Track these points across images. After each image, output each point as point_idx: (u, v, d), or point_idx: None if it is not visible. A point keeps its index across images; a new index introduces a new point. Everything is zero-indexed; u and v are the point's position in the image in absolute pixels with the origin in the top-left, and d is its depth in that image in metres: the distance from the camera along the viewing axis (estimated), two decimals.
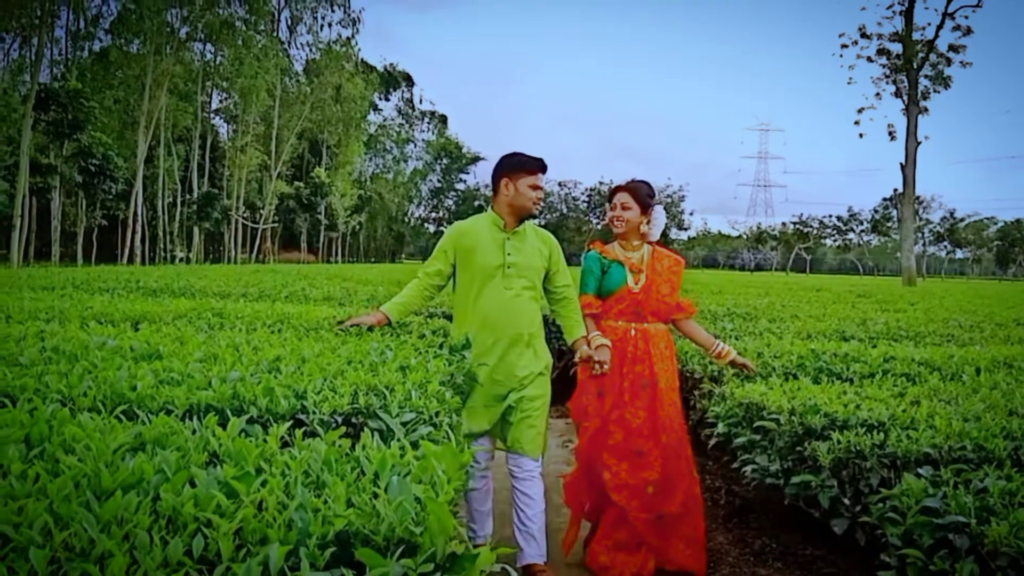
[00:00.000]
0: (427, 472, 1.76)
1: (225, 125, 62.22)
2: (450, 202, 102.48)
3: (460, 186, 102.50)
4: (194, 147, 50.50)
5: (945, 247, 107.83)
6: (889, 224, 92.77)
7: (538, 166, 4.01)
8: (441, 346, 4.00)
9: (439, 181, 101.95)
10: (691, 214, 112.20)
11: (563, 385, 4.18)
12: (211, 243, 61.73)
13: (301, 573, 1.29)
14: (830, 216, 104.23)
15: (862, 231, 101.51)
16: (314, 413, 2.45)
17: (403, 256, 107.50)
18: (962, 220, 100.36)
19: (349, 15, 64.02)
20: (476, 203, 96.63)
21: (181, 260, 47.71)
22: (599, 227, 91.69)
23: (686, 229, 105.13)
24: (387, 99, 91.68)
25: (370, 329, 4.19)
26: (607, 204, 4.43)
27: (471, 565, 1.48)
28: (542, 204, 4.08)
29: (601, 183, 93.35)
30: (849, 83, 43.60)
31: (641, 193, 4.28)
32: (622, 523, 4.02)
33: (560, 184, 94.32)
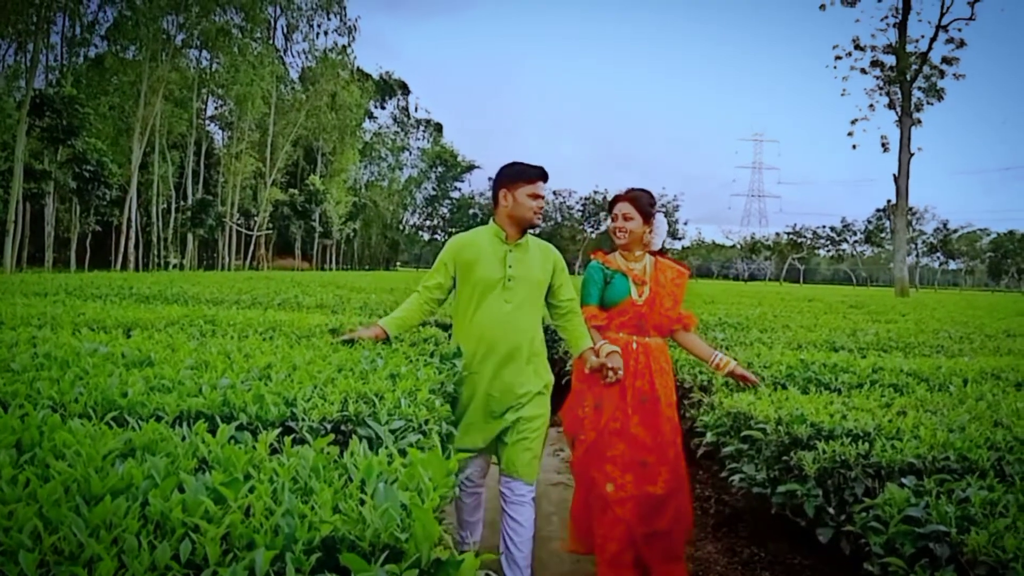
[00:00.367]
0: (414, 479, 1.78)
1: (220, 132, 62.33)
2: (445, 210, 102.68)
3: (455, 194, 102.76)
4: (189, 154, 50.53)
5: (938, 258, 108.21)
6: (882, 235, 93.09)
7: (536, 174, 3.92)
8: (432, 354, 4.01)
9: (434, 189, 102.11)
10: (685, 223, 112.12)
11: (555, 393, 4.11)
12: (205, 250, 61.68)
13: None
14: (824, 226, 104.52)
15: (855, 242, 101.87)
16: (303, 420, 2.47)
17: (398, 264, 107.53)
18: (955, 231, 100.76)
19: (345, 23, 64.15)
20: (471, 211, 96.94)
21: (175, 266, 47.68)
22: (594, 236, 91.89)
23: (680, 238, 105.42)
24: (383, 107, 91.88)
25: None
26: (606, 214, 4.46)
27: (455, 571, 1.50)
28: (543, 213, 4.00)
29: (596, 192, 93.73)
30: (843, 94, 43.64)
31: (642, 202, 4.20)
32: (613, 537, 3.89)
33: (555, 193, 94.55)
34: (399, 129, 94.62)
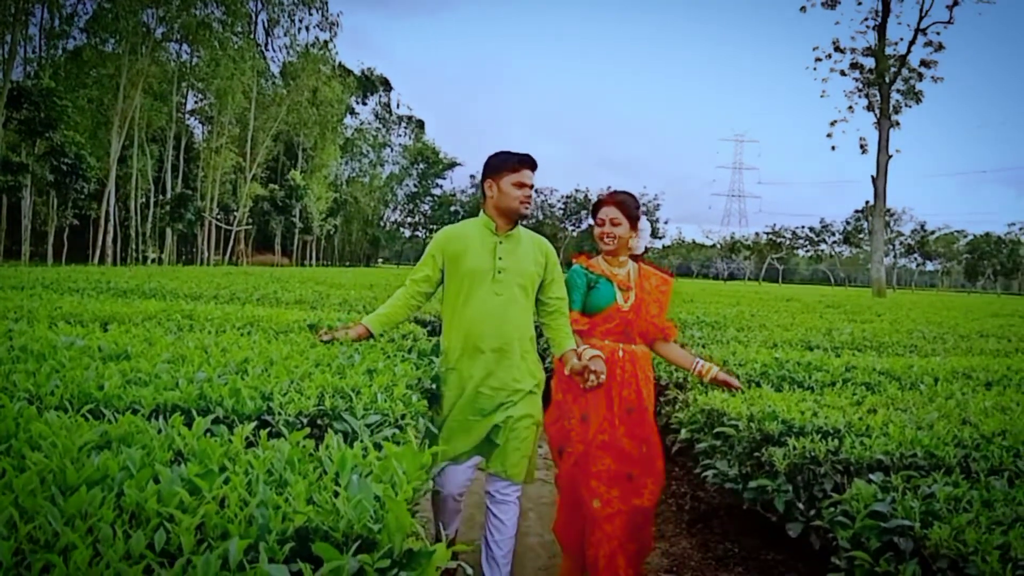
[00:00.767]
0: (388, 472, 1.80)
1: (200, 126, 61.86)
2: (426, 207, 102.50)
3: (436, 191, 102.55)
4: (168, 148, 50.11)
5: (915, 259, 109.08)
6: (860, 236, 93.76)
7: (521, 162, 3.75)
8: (410, 350, 4.02)
9: (415, 186, 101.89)
10: (666, 223, 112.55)
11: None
12: (184, 244, 61.28)
13: (259, 566, 1.33)
14: (803, 227, 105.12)
15: (834, 242, 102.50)
16: (280, 414, 2.49)
17: (380, 260, 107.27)
18: (932, 233, 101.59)
19: (327, 18, 63.73)
20: (452, 208, 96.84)
21: (153, 261, 47.35)
22: (575, 235, 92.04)
23: (661, 238, 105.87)
24: (364, 103, 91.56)
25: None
26: (588, 215, 4.33)
27: (427, 561, 1.53)
28: (532, 203, 3.85)
29: (577, 191, 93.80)
30: (822, 96, 44.17)
31: (629, 207, 4.04)
32: (604, 554, 3.72)
33: (537, 191, 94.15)
34: (381, 125, 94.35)
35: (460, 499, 3.81)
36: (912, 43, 39.49)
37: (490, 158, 3.85)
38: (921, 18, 39.23)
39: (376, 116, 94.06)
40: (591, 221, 4.19)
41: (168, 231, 49.73)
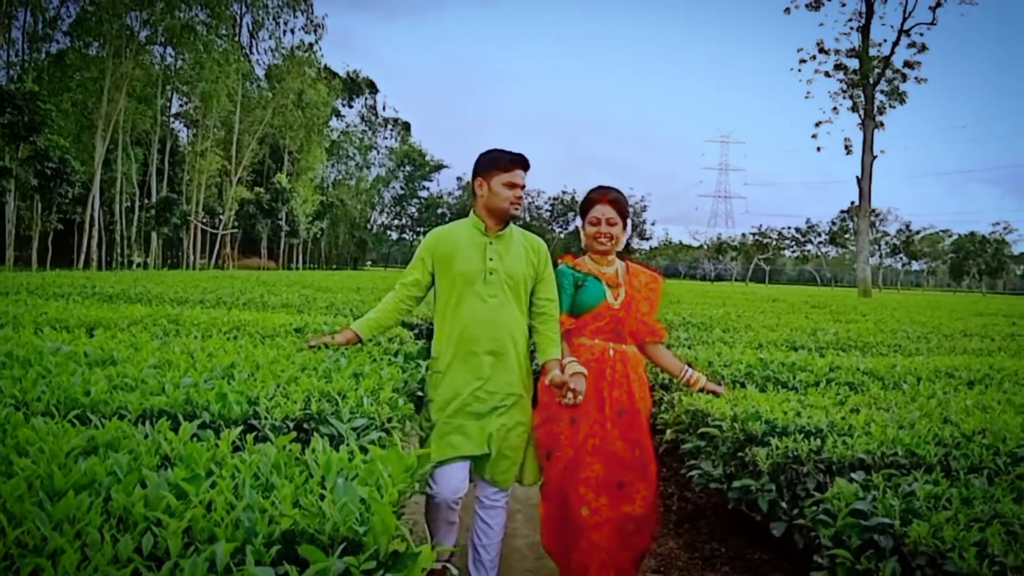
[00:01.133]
0: (373, 475, 1.82)
1: (185, 129, 61.67)
2: (413, 209, 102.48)
3: (423, 193, 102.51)
4: (153, 151, 49.95)
5: (901, 259, 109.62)
6: (846, 236, 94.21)
7: (512, 161, 3.65)
8: (396, 353, 4.03)
9: (402, 188, 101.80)
10: (653, 224, 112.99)
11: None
12: (169, 248, 61.03)
13: (246, 568, 1.35)
14: (789, 227, 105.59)
15: (820, 243, 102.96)
16: (266, 418, 2.50)
17: (368, 263, 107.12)
18: (917, 233, 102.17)
19: (312, 21, 63.68)
20: (439, 211, 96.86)
21: (138, 265, 47.15)
22: (562, 236, 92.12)
23: (648, 239, 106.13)
24: (350, 106, 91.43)
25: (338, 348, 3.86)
26: (575, 215, 4.16)
27: (412, 563, 1.55)
28: (523, 203, 3.76)
29: (564, 192, 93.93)
30: (807, 97, 44.38)
31: (624, 205, 3.94)
32: (592, 563, 3.61)
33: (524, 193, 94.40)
34: (367, 128, 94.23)
35: (456, 506, 3.61)
36: (896, 44, 39.78)
37: (481, 156, 3.73)
38: (904, 19, 39.53)
39: (362, 118, 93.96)
40: (579, 222, 4.03)
41: (153, 235, 49.53)
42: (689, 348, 5.81)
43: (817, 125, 43.22)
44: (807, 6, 41.11)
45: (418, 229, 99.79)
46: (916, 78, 40.75)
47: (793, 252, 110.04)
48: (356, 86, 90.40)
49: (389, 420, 2.69)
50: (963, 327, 9.60)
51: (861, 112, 39.79)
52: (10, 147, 34.73)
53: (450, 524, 3.67)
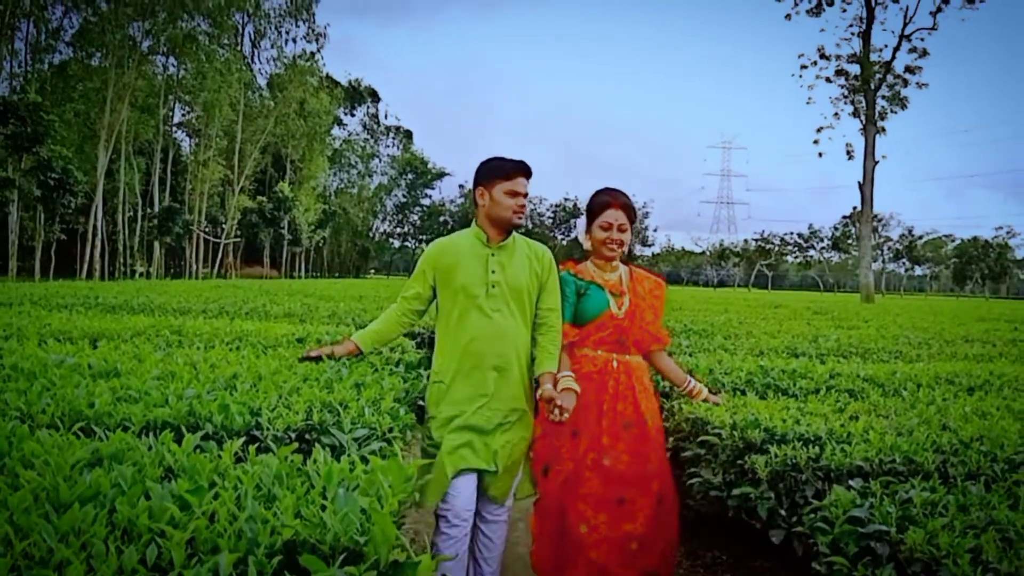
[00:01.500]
0: (374, 485, 1.85)
1: (188, 139, 61.83)
2: (415, 217, 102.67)
3: (425, 201, 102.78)
4: (156, 161, 50.04)
5: (904, 264, 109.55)
6: (849, 241, 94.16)
7: (514, 169, 3.54)
8: (398, 363, 4.05)
9: (404, 196, 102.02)
10: (655, 230, 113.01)
11: None
12: (172, 257, 61.17)
13: None
14: (791, 233, 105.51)
15: (823, 248, 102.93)
16: (268, 429, 2.53)
17: (372, 271, 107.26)
18: (920, 238, 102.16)
19: (313, 30, 63.86)
20: (441, 218, 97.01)
21: (141, 275, 47.20)
22: (564, 243, 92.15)
23: (650, 245, 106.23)
24: (352, 114, 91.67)
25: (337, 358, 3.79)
26: (584, 220, 3.85)
27: (412, 573, 1.57)
28: (526, 212, 3.64)
29: (567, 199, 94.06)
30: (808, 103, 44.21)
31: (634, 211, 3.81)
32: None
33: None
34: (369, 136, 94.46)
35: (466, 522, 3.47)
36: (896, 49, 39.78)
37: (482, 165, 3.63)
38: (905, 24, 39.54)
39: (364, 127, 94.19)
40: (581, 226, 3.93)
41: (156, 244, 49.62)
42: (690, 355, 5.83)
43: (819, 131, 43.23)
44: (808, 12, 41.16)
45: (420, 237, 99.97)
46: (917, 83, 40.78)
47: (796, 258, 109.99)
48: (358, 94, 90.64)
49: (390, 430, 2.72)
50: (965, 332, 9.60)
51: (863, 117, 39.79)
52: (13, 158, 34.84)
53: (460, 544, 3.47)
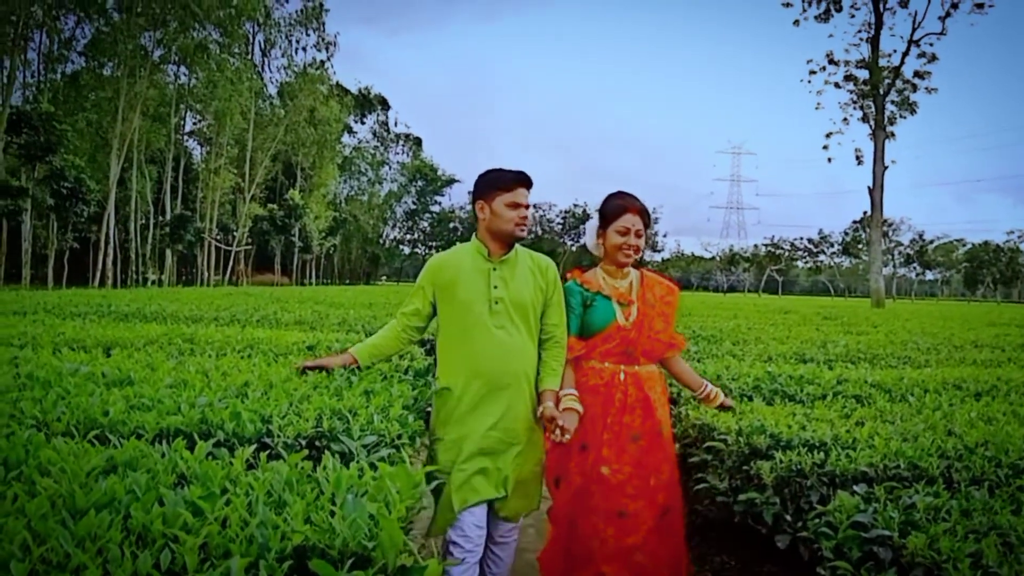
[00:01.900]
0: (382, 491, 1.88)
1: (199, 147, 62.27)
2: (425, 224, 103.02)
3: (435, 208, 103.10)
4: (167, 169, 50.38)
5: (915, 269, 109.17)
6: (859, 246, 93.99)
7: (515, 180, 3.42)
8: (406, 371, 4.08)
9: (414, 203, 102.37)
10: (664, 236, 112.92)
11: None
12: (184, 265, 61.42)
13: None
14: (801, 238, 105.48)
15: (833, 253, 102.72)
16: (279, 437, 2.56)
17: (384, 277, 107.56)
18: (931, 242, 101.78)
19: (324, 39, 64.25)
20: (451, 224, 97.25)
21: (153, 282, 47.45)
22: (573, 249, 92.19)
23: (660, 251, 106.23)
24: (362, 122, 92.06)
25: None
26: (597, 226, 3.71)
27: None
28: (528, 224, 3.48)
29: (576, 205, 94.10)
30: (817, 108, 44.10)
31: (649, 215, 3.70)
32: None
33: (535, 206, 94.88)
34: (379, 143, 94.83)
35: (478, 547, 3.34)
36: (905, 54, 39.70)
37: (480, 177, 3.52)
38: (914, 30, 39.45)
39: (374, 134, 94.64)
40: (591, 229, 3.76)
41: (168, 252, 49.91)
42: (699, 361, 5.84)
43: (828, 136, 43.14)
44: (816, 18, 41.13)
45: (430, 243, 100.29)
46: (926, 88, 40.67)
47: (806, 263, 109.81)
48: (368, 102, 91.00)
49: (399, 437, 2.75)
50: (974, 338, 9.58)
51: (871, 122, 39.71)
52: (27, 167, 35.14)
53: (471, 571, 3.35)
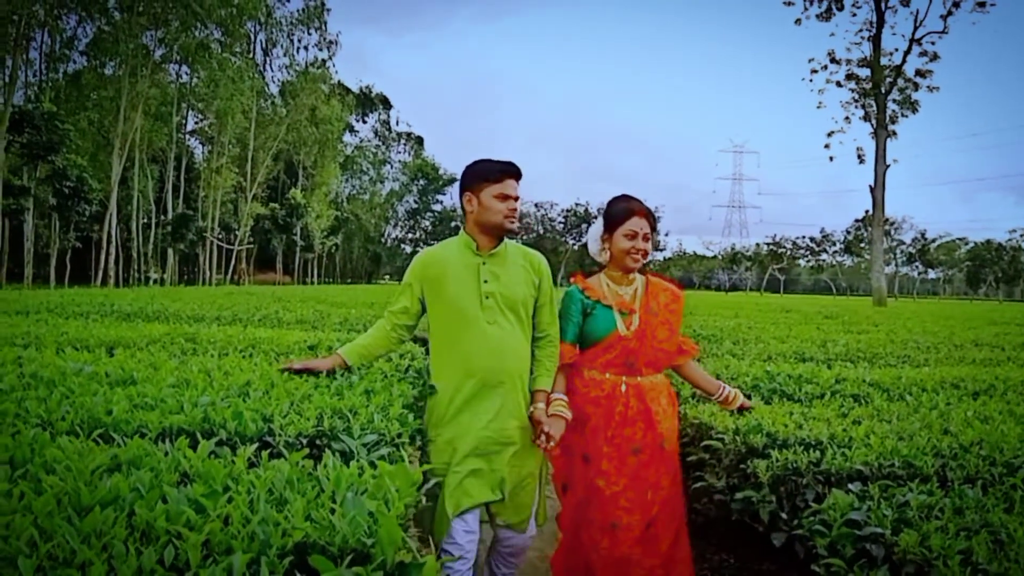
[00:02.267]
0: (381, 489, 1.91)
1: (200, 146, 62.37)
2: (427, 223, 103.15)
3: (437, 207, 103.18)
4: (169, 168, 50.46)
5: (917, 268, 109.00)
6: (861, 245, 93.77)
7: (503, 171, 3.31)
8: (407, 370, 4.10)
9: (416, 202, 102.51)
10: (666, 235, 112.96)
11: None
12: (186, 264, 61.55)
13: None
14: (803, 237, 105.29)
15: (835, 252, 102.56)
16: (280, 435, 2.59)
17: (386, 276, 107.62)
18: (933, 241, 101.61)
19: (325, 38, 64.35)
20: (453, 224, 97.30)
21: (155, 282, 47.54)
22: (575, 248, 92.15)
23: (662, 250, 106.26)
24: (364, 121, 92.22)
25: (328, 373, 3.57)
26: (596, 229, 3.64)
27: (418, 573, 1.64)
28: (517, 216, 3.36)
29: (578, 204, 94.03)
30: (819, 107, 44.21)
31: (655, 218, 3.61)
32: None
33: (536, 205, 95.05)
34: (380, 143, 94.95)
35: (470, 553, 3.24)
36: (907, 53, 39.70)
37: (467, 168, 3.40)
38: (916, 28, 39.45)
39: (375, 133, 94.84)
40: (596, 234, 3.66)
41: (170, 251, 50.00)
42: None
43: (829, 135, 43.17)
44: (817, 17, 41.12)
45: (432, 242, 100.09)
46: (928, 87, 40.70)
47: (808, 262, 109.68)
48: (369, 101, 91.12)
49: (399, 436, 2.77)
50: (975, 336, 9.59)
51: (873, 121, 39.71)
52: (29, 166, 35.20)
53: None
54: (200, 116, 57.46)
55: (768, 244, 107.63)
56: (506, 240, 3.42)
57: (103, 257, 41.15)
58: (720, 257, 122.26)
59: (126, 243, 48.35)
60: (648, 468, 3.44)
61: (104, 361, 3.92)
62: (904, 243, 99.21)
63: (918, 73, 40.61)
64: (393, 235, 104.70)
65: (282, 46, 62.94)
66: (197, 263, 57.84)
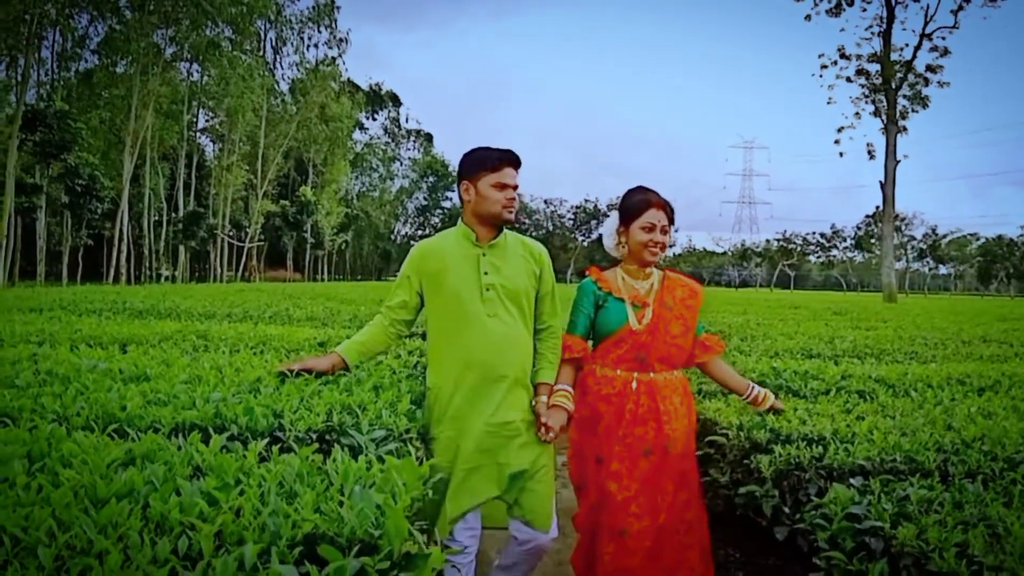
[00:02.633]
0: (388, 483, 1.96)
1: (211, 144, 62.57)
2: (436, 220, 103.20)
3: (446, 204, 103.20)
4: (180, 166, 50.67)
5: (928, 263, 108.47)
6: (872, 241, 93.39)
7: (501, 160, 3.20)
8: (416, 366, 4.15)
9: (425, 199, 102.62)
10: (676, 231, 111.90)
11: None
12: (197, 261, 61.80)
13: (271, 567, 1.50)
14: (814, 233, 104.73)
15: (845, 248, 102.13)
16: (290, 431, 2.64)
17: (396, 273, 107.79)
18: (944, 237, 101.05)
19: (335, 35, 64.49)
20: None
21: (167, 279, 47.76)
22: (585, 244, 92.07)
23: (672, 246, 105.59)
24: (373, 118, 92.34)
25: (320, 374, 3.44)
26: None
27: (424, 563, 1.69)
28: (516, 205, 3.26)
29: (587, 200, 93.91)
30: (829, 103, 43.97)
31: (672, 210, 3.49)
32: None
33: (546, 201, 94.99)
34: (390, 140, 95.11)
35: (470, 551, 3.22)
36: (917, 48, 39.51)
37: (465, 157, 3.30)
38: (926, 23, 39.26)
39: (385, 131, 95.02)
40: (611, 228, 3.55)
41: (181, 248, 50.19)
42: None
43: (840, 131, 43.02)
44: (828, 12, 40.99)
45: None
46: (938, 82, 40.50)
47: (818, 258, 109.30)
48: (379, 99, 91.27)
49: (407, 431, 2.82)
50: (983, 333, 9.56)
51: (883, 117, 39.54)
52: (41, 165, 35.38)
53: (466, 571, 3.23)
54: (211, 114, 57.63)
55: (778, 240, 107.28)
56: (505, 230, 3.33)
57: (115, 254, 41.35)
58: (730, 253, 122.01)
59: (138, 240, 48.62)
60: (657, 471, 3.30)
61: (118, 358, 3.98)
62: (915, 239, 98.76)
63: (928, 68, 40.42)
64: (403, 232, 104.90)
65: (292, 44, 63.23)
66: (208, 260, 58.12)
